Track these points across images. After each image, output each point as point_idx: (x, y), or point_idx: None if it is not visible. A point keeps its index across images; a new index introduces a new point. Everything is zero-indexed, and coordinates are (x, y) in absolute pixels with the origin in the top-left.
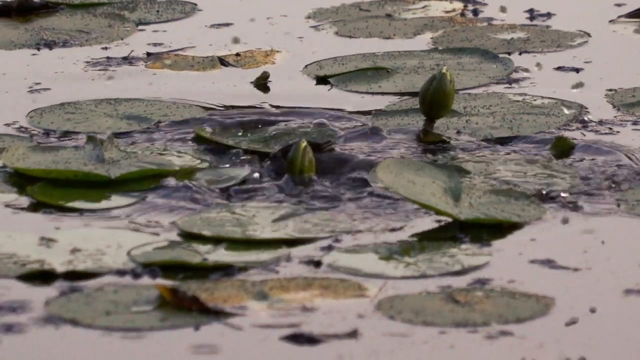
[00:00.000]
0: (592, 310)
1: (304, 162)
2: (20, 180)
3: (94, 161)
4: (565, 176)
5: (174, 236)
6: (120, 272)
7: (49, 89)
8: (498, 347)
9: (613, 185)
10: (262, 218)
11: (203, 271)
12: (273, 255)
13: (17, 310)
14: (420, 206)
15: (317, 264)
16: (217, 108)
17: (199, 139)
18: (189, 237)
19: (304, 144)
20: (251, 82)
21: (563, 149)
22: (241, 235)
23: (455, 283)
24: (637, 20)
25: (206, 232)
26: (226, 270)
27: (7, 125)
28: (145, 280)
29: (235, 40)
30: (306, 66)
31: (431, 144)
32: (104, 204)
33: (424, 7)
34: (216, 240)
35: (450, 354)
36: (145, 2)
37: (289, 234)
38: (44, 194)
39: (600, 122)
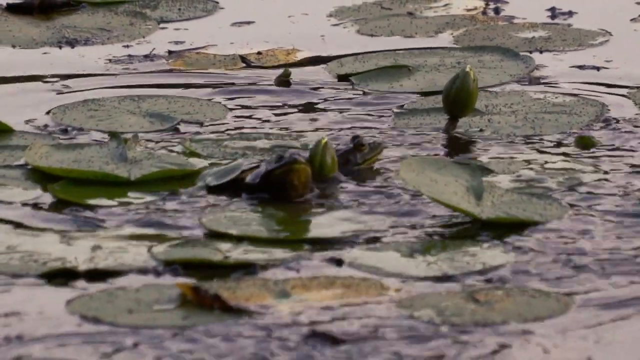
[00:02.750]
0: (611, 309)
1: (324, 159)
2: (43, 177)
3: (116, 160)
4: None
5: (196, 234)
6: (142, 270)
7: (71, 86)
8: (518, 346)
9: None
10: (286, 217)
11: (225, 270)
12: (295, 254)
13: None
14: (442, 205)
15: (339, 262)
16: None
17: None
18: (215, 236)
19: (324, 140)
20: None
21: (585, 147)
22: (266, 235)
23: (475, 282)
24: None
25: (232, 231)
26: (248, 268)
27: (29, 122)
28: (167, 278)
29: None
30: (327, 64)
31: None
32: (124, 202)
33: (445, 5)
34: (238, 239)
35: (471, 352)
36: (167, 0)
37: (311, 232)
38: (65, 192)
39: (622, 120)
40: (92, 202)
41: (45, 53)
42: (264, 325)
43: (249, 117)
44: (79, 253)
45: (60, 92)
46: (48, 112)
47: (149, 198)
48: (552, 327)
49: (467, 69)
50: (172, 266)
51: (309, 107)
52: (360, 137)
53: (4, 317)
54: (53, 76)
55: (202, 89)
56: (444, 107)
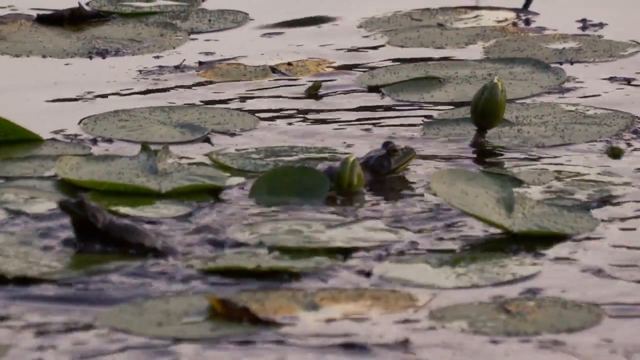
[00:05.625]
0: None
1: (352, 177)
2: (74, 188)
3: (147, 172)
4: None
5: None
6: (171, 278)
7: (101, 96)
8: (550, 357)
9: None
10: (315, 228)
11: (255, 280)
12: (324, 265)
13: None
14: (472, 217)
15: (368, 274)
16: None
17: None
18: (244, 244)
19: (352, 158)
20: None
21: (616, 157)
22: (295, 244)
23: (506, 293)
24: None
25: (263, 241)
26: (279, 277)
27: (59, 132)
28: (197, 286)
29: None
30: (358, 75)
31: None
32: (154, 214)
33: (475, 17)
34: (270, 248)
35: None
36: (197, 12)
37: (341, 243)
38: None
39: None
40: (121, 213)
41: (75, 64)
42: (292, 337)
43: (279, 127)
44: None
45: (90, 103)
46: (79, 123)
47: (178, 209)
48: (584, 339)
49: (495, 80)
50: (204, 274)
51: (339, 118)
52: (392, 142)
53: None
54: (84, 87)
55: (233, 100)
56: (472, 119)
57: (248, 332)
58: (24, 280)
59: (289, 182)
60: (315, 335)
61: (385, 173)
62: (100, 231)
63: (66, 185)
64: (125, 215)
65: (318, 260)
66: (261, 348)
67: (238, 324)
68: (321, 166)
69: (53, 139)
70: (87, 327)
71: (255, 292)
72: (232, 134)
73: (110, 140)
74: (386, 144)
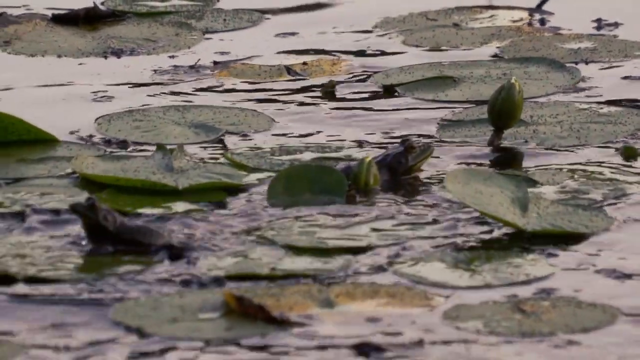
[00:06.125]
0: None
1: (368, 177)
2: (90, 186)
3: (162, 170)
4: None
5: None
6: (185, 282)
7: (116, 96)
8: (564, 357)
9: None
10: (328, 227)
11: (270, 279)
12: (340, 263)
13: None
14: (487, 216)
15: (384, 272)
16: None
17: None
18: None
19: (368, 158)
20: (318, 91)
21: (631, 157)
22: (308, 244)
23: (521, 293)
24: None
25: (276, 241)
26: (294, 278)
27: (74, 132)
28: (212, 289)
29: None
30: (373, 75)
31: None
32: (170, 211)
33: (491, 17)
34: (283, 249)
35: None
36: (212, 11)
37: (357, 241)
38: (111, 201)
39: None
40: (138, 210)
41: (90, 63)
42: (307, 335)
43: (294, 127)
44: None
45: (105, 102)
46: (93, 123)
47: (194, 207)
48: (599, 339)
49: (513, 81)
50: (217, 277)
51: (354, 118)
52: (410, 139)
53: None
54: (98, 86)
55: (248, 100)
56: (489, 119)
57: (262, 330)
58: (36, 280)
59: (307, 181)
60: (330, 334)
61: (402, 170)
62: (111, 233)
63: (81, 184)
64: (139, 215)
65: (333, 260)
66: (275, 346)
67: (253, 322)
68: (339, 166)
69: (68, 141)
70: (102, 325)
71: (270, 287)
72: (245, 135)
73: (124, 142)
74: (404, 141)
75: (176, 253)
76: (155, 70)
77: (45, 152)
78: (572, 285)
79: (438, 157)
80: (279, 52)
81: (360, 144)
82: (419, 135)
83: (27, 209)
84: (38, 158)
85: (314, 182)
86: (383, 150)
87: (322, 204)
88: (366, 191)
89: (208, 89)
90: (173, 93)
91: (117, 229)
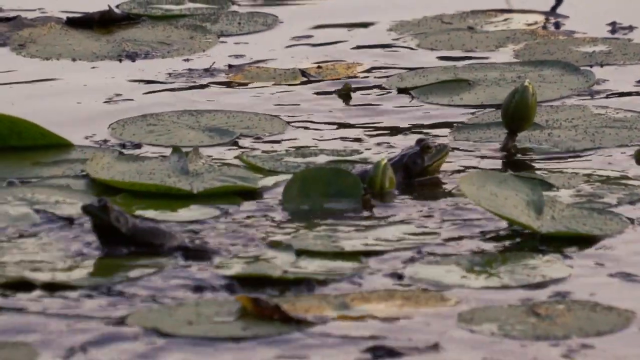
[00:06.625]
0: None
1: (384, 180)
2: (105, 189)
3: (177, 173)
4: None
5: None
6: (198, 287)
7: (130, 100)
8: None
9: None
10: (343, 230)
11: (284, 283)
12: (354, 267)
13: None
14: (502, 218)
15: (400, 276)
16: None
17: None
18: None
19: (384, 162)
20: (333, 93)
21: None
22: (324, 248)
23: (536, 295)
24: None
25: (291, 244)
26: (307, 282)
27: (88, 137)
28: (225, 293)
29: None
30: (388, 78)
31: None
32: (185, 216)
33: (505, 20)
34: (298, 253)
35: None
36: (227, 14)
37: (371, 245)
38: (126, 205)
39: None
40: (153, 215)
41: (105, 67)
42: (323, 336)
43: (309, 130)
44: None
45: (119, 106)
46: (108, 127)
47: (209, 211)
48: (614, 342)
49: (526, 84)
50: (230, 281)
51: (369, 121)
52: (426, 139)
53: None
54: (113, 90)
55: (262, 103)
56: (503, 122)
57: (279, 331)
58: (53, 286)
59: (322, 184)
60: (346, 336)
61: (418, 170)
62: (123, 234)
63: (99, 185)
64: (153, 219)
65: (347, 264)
66: (292, 347)
67: (269, 322)
68: (355, 169)
69: (82, 145)
70: (118, 329)
71: (285, 293)
72: (259, 138)
73: (138, 146)
74: (420, 141)
75: (189, 255)
76: (169, 74)
77: (59, 155)
78: (587, 288)
79: (452, 162)
80: (293, 56)
81: (375, 147)
82: (434, 139)
83: (39, 213)
84: (52, 161)
85: (329, 185)
86: (397, 153)
87: (338, 207)
88: (382, 194)
89: (222, 93)
90: (187, 97)
91: (129, 230)
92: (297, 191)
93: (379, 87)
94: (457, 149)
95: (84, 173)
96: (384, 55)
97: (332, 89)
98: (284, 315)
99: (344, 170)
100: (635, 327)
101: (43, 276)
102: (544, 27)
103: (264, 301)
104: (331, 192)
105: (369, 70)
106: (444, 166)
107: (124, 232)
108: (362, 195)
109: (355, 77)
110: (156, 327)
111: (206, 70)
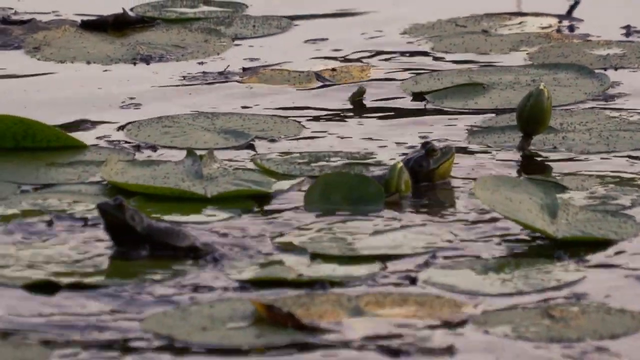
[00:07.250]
0: None
1: (399, 183)
2: (120, 193)
3: (192, 177)
4: None
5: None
6: (212, 290)
7: (145, 102)
8: None
9: None
10: (358, 235)
11: (299, 285)
12: (368, 271)
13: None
14: (516, 223)
15: (413, 280)
16: None
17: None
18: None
19: (399, 165)
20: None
21: None
22: (338, 252)
23: (550, 299)
24: None
25: (305, 248)
26: (321, 283)
27: (103, 138)
28: (240, 296)
29: None
30: (402, 81)
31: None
32: (200, 219)
33: (520, 23)
34: (312, 256)
35: None
36: (242, 17)
37: (386, 249)
38: (140, 208)
39: None
40: (167, 218)
41: (119, 69)
42: (337, 342)
43: (323, 134)
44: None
45: (134, 109)
46: (122, 129)
47: (223, 214)
48: (628, 345)
49: (541, 87)
50: (244, 284)
51: (383, 125)
52: (431, 142)
53: None
54: (127, 93)
55: (276, 106)
56: (517, 125)
57: (293, 338)
58: (72, 287)
59: (345, 189)
60: (360, 341)
61: (424, 174)
62: (137, 234)
63: (113, 188)
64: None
65: (361, 268)
66: (306, 354)
67: (283, 329)
68: (373, 174)
69: (96, 145)
70: (132, 334)
71: (299, 297)
72: (274, 141)
73: (153, 147)
74: (425, 144)
75: (202, 255)
76: (184, 77)
77: (73, 157)
78: (602, 291)
79: (466, 164)
80: (308, 59)
81: (389, 150)
82: (448, 143)
83: (53, 216)
84: (67, 163)
85: (352, 190)
86: (404, 155)
87: (359, 213)
88: (399, 198)
89: (237, 96)
90: (202, 99)
91: (144, 229)
92: (319, 195)
93: (393, 90)
94: (472, 152)
95: (100, 180)
96: (398, 59)
97: (347, 92)
98: (297, 322)
99: (366, 177)
100: None
101: (61, 278)
102: (558, 31)
103: (277, 308)
104: (353, 197)
105: (383, 74)
106: (458, 170)
107: (138, 231)
108: (387, 197)
109: (369, 80)
110: (170, 333)
111: (220, 73)
